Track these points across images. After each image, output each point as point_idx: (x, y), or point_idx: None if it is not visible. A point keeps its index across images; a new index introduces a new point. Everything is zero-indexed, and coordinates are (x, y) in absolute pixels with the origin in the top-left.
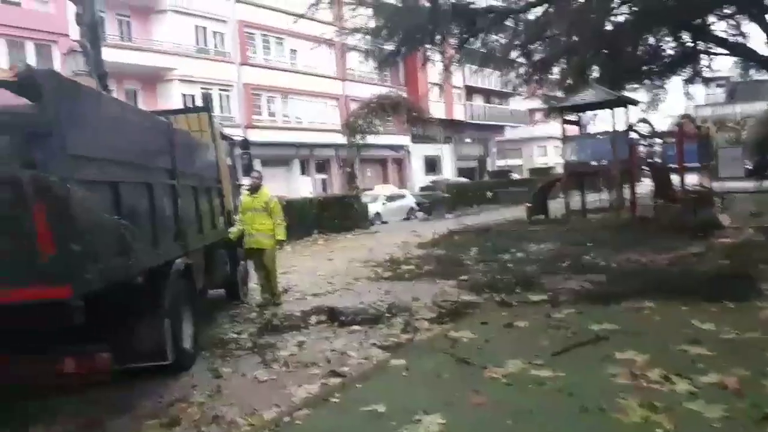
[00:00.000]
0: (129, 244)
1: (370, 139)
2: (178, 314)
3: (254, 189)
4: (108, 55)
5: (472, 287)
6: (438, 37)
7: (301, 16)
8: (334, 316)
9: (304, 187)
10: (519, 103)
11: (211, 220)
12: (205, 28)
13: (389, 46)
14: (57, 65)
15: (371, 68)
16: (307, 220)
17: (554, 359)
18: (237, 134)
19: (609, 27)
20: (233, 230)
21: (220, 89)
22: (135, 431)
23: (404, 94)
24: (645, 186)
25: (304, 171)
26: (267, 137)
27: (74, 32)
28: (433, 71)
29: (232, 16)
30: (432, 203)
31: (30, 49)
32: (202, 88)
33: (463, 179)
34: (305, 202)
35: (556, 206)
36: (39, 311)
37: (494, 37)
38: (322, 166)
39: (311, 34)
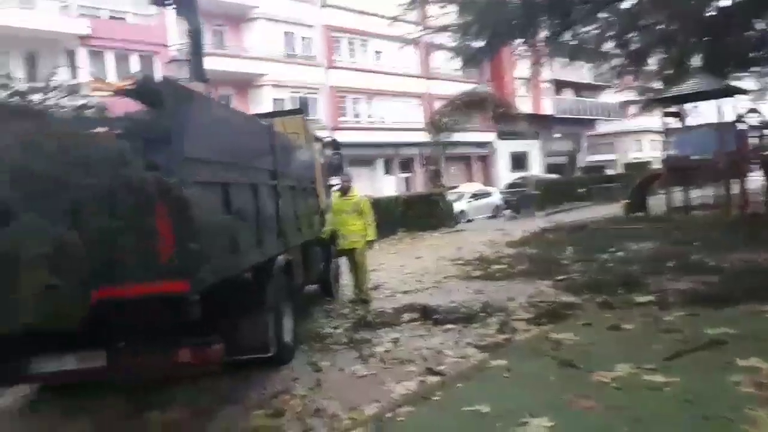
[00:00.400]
0: (239, 242)
1: (456, 136)
2: (279, 309)
3: (345, 191)
4: (205, 63)
5: (569, 287)
6: (531, 30)
7: (395, 18)
8: (427, 314)
9: (387, 186)
10: (611, 96)
11: (307, 219)
12: (293, 34)
13: (478, 43)
14: (158, 74)
15: (456, 66)
16: (392, 218)
17: (667, 364)
18: (325, 136)
19: (711, 12)
20: (326, 229)
21: (308, 92)
22: (243, 421)
23: (490, 90)
24: (755, 181)
25: (387, 170)
26: (352, 138)
27: (174, 43)
28: (520, 66)
29: (318, 21)
30: (520, 201)
31: (134, 60)
32: (291, 92)
33: (552, 175)
34: (390, 200)
35: (655, 203)
36: (159, 305)
37: (586, 28)
38: (406, 165)
39: (396, 35)
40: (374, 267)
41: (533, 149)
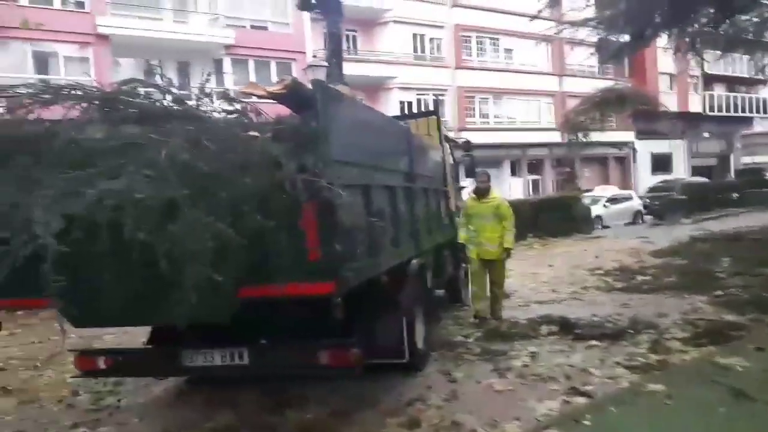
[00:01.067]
0: (379, 245)
1: (592, 136)
2: (412, 313)
3: (482, 193)
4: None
5: (730, 304)
6: (686, 21)
7: (534, 16)
8: (568, 328)
9: (514, 188)
10: None
11: (439, 222)
12: (423, 36)
13: (623, 37)
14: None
15: (592, 62)
16: (521, 222)
17: None
18: (458, 137)
19: None
20: (462, 235)
21: (435, 93)
22: (379, 427)
23: (631, 87)
24: None
25: (514, 172)
26: (479, 139)
27: (309, 50)
28: (663, 60)
29: (449, 21)
30: (664, 206)
31: (273, 67)
32: (417, 94)
33: (700, 179)
34: (520, 203)
35: None
36: (302, 306)
37: (745, 17)
38: (534, 167)
39: (527, 32)
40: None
41: (678, 150)
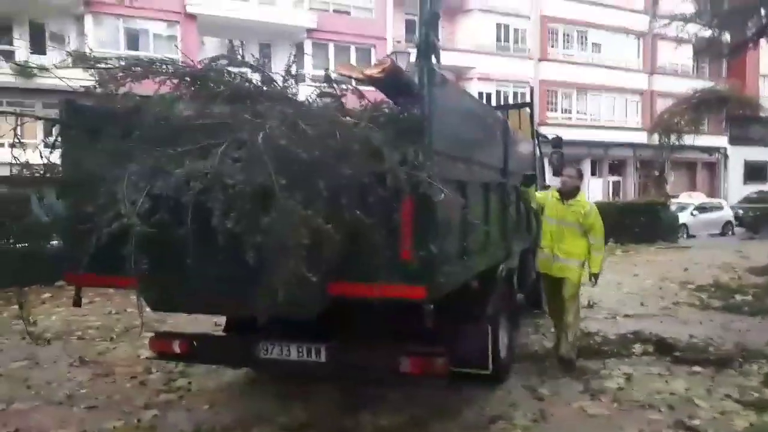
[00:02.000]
0: (474, 247)
1: (686, 139)
2: (498, 321)
3: (568, 193)
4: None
5: None
6: None
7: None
8: (664, 348)
9: (594, 189)
10: None
11: (528, 223)
12: (507, 26)
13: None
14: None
15: (685, 60)
16: (605, 226)
17: None
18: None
19: None
20: (544, 244)
21: (515, 86)
22: None
23: (731, 88)
24: None
25: (594, 172)
26: (560, 135)
27: (390, 36)
28: (766, 61)
29: (536, 11)
30: (760, 218)
31: (352, 52)
32: (497, 86)
33: None
34: (606, 205)
35: None
36: (390, 306)
37: None
38: (616, 168)
39: (620, 25)
40: (583, 281)
41: None
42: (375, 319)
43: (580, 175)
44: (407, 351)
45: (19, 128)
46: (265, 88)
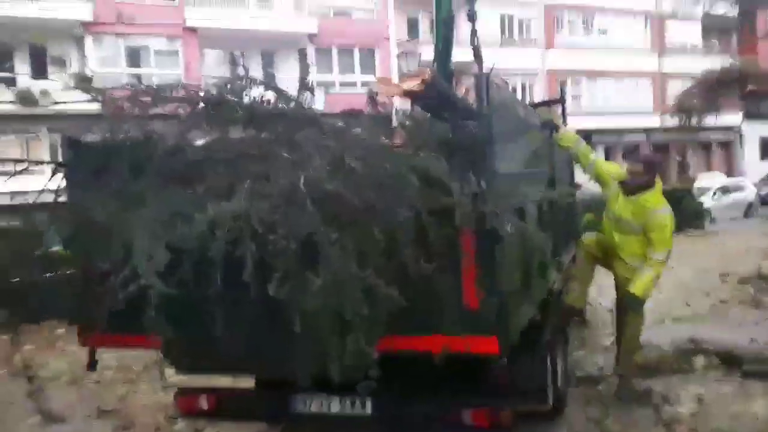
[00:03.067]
0: (540, 277)
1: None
2: (554, 347)
3: (639, 187)
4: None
5: None
6: None
7: None
8: (731, 361)
9: None
10: None
11: (573, 232)
12: (511, 17)
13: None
14: (378, 68)
15: (694, 38)
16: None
17: None
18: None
19: None
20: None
21: (523, 77)
22: None
23: (745, 64)
24: None
25: (608, 158)
26: (570, 124)
27: (393, 37)
28: None
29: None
30: None
31: (356, 54)
32: (504, 77)
33: None
34: None
35: None
36: (457, 363)
37: None
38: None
39: (623, 8)
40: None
41: None
42: (422, 367)
43: (650, 168)
44: (471, 404)
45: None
46: (288, 108)
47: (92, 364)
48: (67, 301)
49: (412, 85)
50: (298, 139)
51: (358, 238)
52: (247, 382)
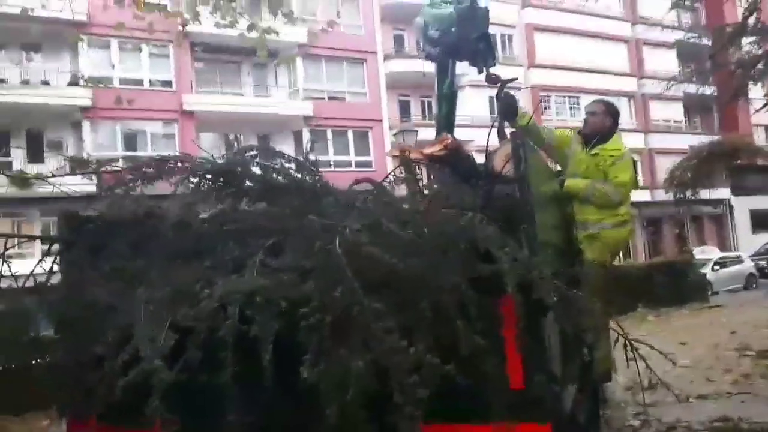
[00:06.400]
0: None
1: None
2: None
3: (592, 137)
4: None
5: None
6: None
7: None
8: None
9: None
10: None
11: None
12: (494, 35)
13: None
14: (371, 149)
15: (678, 116)
16: (630, 290)
17: None
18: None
19: None
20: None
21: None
22: None
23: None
24: None
25: None
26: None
27: (386, 117)
28: (759, 112)
29: (520, 19)
30: None
31: (350, 135)
32: (490, 94)
33: None
34: (629, 266)
35: None
36: None
37: None
38: None
39: (609, 88)
40: (630, 355)
41: None
42: None
43: (611, 111)
44: None
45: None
46: (304, 180)
47: None
48: (53, 391)
49: (435, 149)
50: (323, 207)
51: (402, 310)
52: None
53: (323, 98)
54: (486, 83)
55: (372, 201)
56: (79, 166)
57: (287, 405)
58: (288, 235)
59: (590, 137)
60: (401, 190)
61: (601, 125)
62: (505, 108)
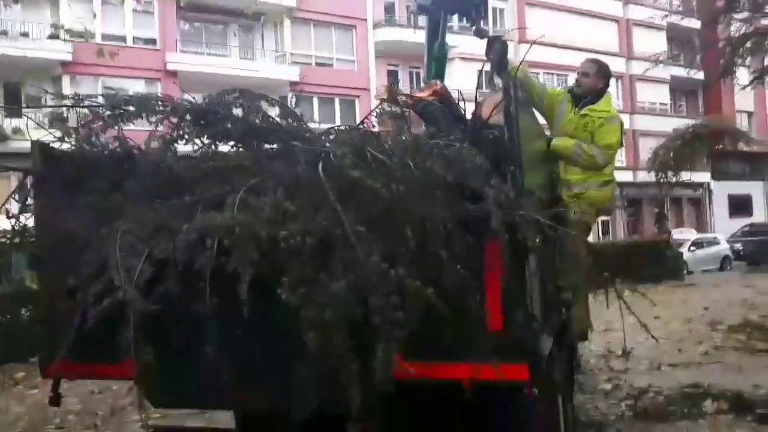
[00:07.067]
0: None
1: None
2: (564, 387)
3: (582, 98)
4: None
5: None
6: None
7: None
8: (740, 405)
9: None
10: None
11: None
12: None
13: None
14: (358, 118)
15: (663, 99)
16: (611, 266)
17: None
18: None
19: None
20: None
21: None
22: None
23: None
24: None
25: None
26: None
27: (374, 87)
28: (742, 96)
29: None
30: (760, 250)
31: (336, 103)
32: (479, 67)
33: None
34: (610, 245)
35: None
36: (484, 396)
37: None
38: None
39: (594, 10)
40: (605, 326)
41: (758, 192)
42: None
43: (603, 72)
44: None
45: None
46: (286, 124)
47: (55, 399)
48: (27, 342)
49: (424, 94)
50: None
51: (386, 239)
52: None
53: (310, 63)
54: (474, 35)
55: (358, 135)
56: (56, 121)
57: (265, 341)
58: (270, 175)
59: (581, 97)
60: (387, 126)
61: (593, 86)
62: (498, 58)
